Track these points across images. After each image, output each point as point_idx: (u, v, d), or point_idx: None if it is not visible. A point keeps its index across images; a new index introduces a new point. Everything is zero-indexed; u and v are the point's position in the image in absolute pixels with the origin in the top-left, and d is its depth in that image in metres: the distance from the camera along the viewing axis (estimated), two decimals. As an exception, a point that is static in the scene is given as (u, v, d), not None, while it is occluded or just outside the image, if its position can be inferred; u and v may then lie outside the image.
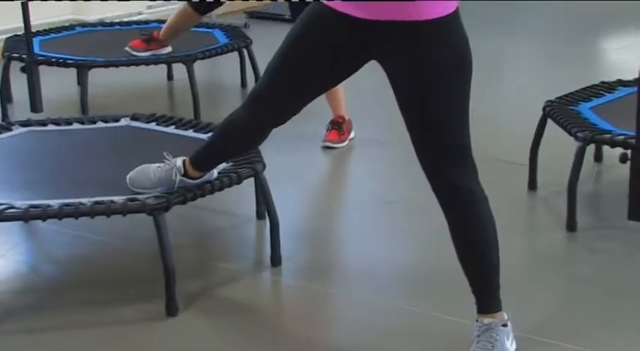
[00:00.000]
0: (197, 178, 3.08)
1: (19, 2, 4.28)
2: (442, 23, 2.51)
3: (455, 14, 2.54)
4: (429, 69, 2.52)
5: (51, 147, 3.66)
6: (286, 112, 2.78)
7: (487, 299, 2.67)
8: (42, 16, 5.87)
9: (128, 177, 3.12)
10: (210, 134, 3.58)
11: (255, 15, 7.23)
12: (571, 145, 3.63)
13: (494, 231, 2.65)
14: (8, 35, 5.16)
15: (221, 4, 4.83)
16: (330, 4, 2.57)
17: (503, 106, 5.12)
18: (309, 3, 2.67)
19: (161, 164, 3.08)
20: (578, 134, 3.58)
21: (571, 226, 3.59)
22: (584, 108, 3.87)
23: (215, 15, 6.25)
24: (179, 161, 3.06)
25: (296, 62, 2.65)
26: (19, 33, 4.95)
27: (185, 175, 3.06)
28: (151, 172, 3.08)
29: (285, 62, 2.67)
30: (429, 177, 2.61)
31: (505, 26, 6.92)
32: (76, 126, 3.79)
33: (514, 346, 2.69)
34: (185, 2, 4.80)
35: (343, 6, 2.53)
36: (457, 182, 2.58)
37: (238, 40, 5.14)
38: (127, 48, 4.89)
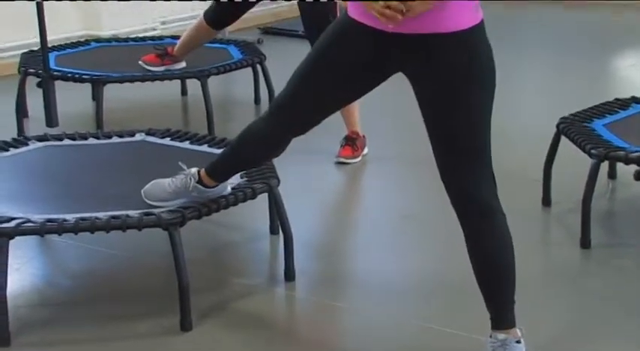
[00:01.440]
0: (211, 187, 3.10)
1: (34, 18, 4.30)
2: (467, 34, 2.52)
3: (480, 25, 2.55)
4: (453, 79, 2.53)
5: (67, 162, 3.68)
6: (308, 122, 2.80)
7: (501, 315, 2.67)
8: (57, 31, 5.92)
9: (143, 191, 3.14)
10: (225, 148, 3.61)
11: (269, 31, 7.27)
12: (585, 161, 3.63)
13: (510, 247, 2.65)
14: (24, 50, 5.20)
15: (236, 18, 4.84)
16: (353, 16, 2.59)
17: (516, 122, 5.12)
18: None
19: (175, 177, 3.10)
20: (592, 151, 3.59)
21: (585, 242, 3.59)
22: (598, 125, 3.88)
23: (228, 31, 6.28)
24: (193, 170, 3.10)
25: (321, 73, 2.67)
26: (34, 48, 4.99)
27: (200, 182, 3.08)
28: (166, 185, 3.11)
29: (311, 73, 2.69)
30: (447, 187, 2.60)
31: (517, 40, 6.93)
32: (91, 141, 3.82)
33: None
34: (200, 17, 4.83)
35: (366, 18, 2.55)
36: (475, 193, 2.58)
37: (252, 56, 5.17)
38: (140, 61, 4.92)
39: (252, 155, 3.00)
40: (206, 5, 5.01)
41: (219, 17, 4.75)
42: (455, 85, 2.54)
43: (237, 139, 3.01)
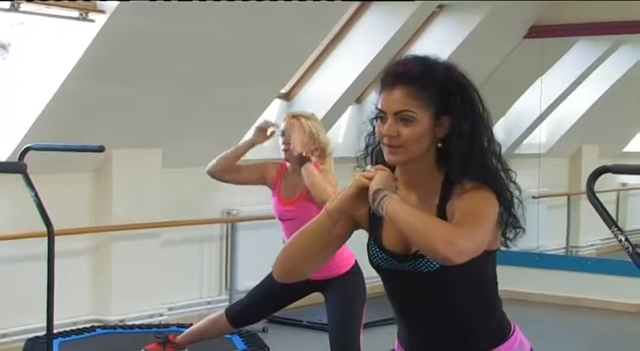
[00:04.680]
0: None
1: (44, 301, 4.31)
2: None
3: None
4: None
5: None
6: None
7: None
8: (65, 315, 5.96)
9: None
10: None
11: (274, 320, 7.30)
12: None
13: None
14: (30, 336, 5.23)
15: (262, 319, 4.82)
16: None
17: None
18: None
19: None
20: None
21: None
22: None
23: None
24: None
25: None
26: (40, 334, 5.01)
27: None
28: None
29: None
30: None
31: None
32: None
33: None
34: (220, 312, 4.70)
35: None
36: None
37: (256, 348, 5.17)
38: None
39: None
40: (214, 296, 5.06)
41: (244, 316, 4.61)
42: None
43: None
